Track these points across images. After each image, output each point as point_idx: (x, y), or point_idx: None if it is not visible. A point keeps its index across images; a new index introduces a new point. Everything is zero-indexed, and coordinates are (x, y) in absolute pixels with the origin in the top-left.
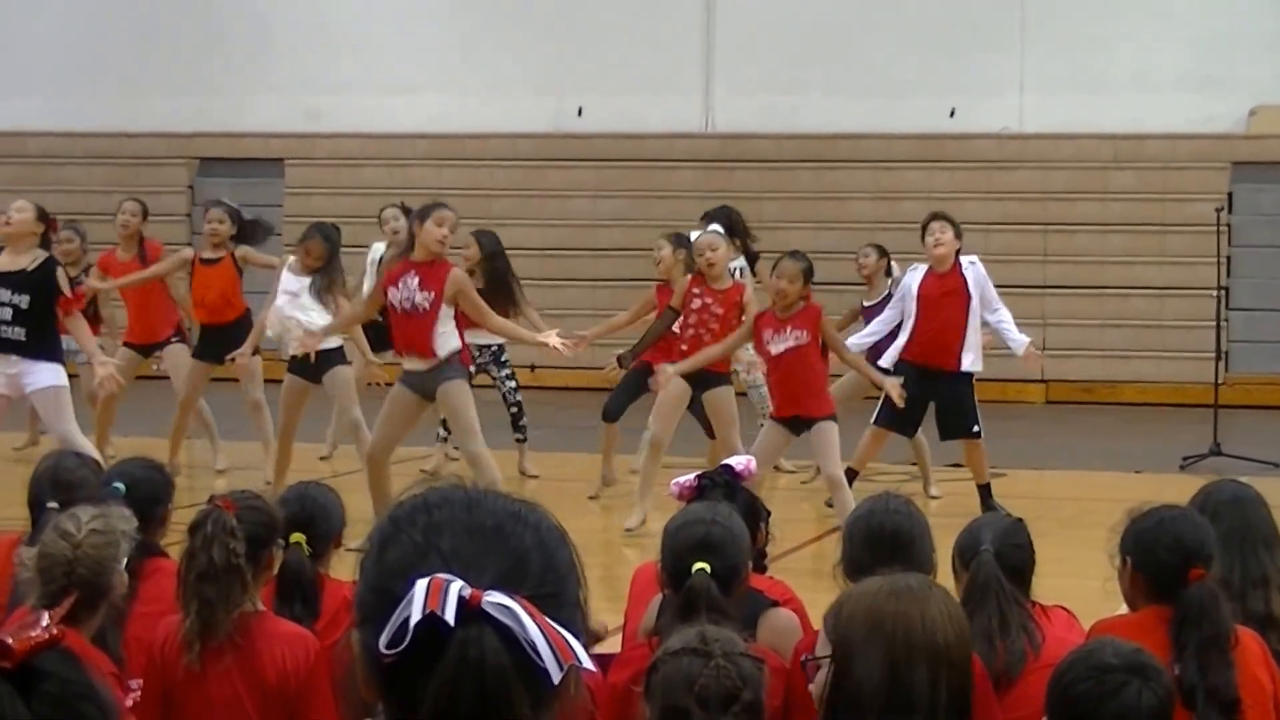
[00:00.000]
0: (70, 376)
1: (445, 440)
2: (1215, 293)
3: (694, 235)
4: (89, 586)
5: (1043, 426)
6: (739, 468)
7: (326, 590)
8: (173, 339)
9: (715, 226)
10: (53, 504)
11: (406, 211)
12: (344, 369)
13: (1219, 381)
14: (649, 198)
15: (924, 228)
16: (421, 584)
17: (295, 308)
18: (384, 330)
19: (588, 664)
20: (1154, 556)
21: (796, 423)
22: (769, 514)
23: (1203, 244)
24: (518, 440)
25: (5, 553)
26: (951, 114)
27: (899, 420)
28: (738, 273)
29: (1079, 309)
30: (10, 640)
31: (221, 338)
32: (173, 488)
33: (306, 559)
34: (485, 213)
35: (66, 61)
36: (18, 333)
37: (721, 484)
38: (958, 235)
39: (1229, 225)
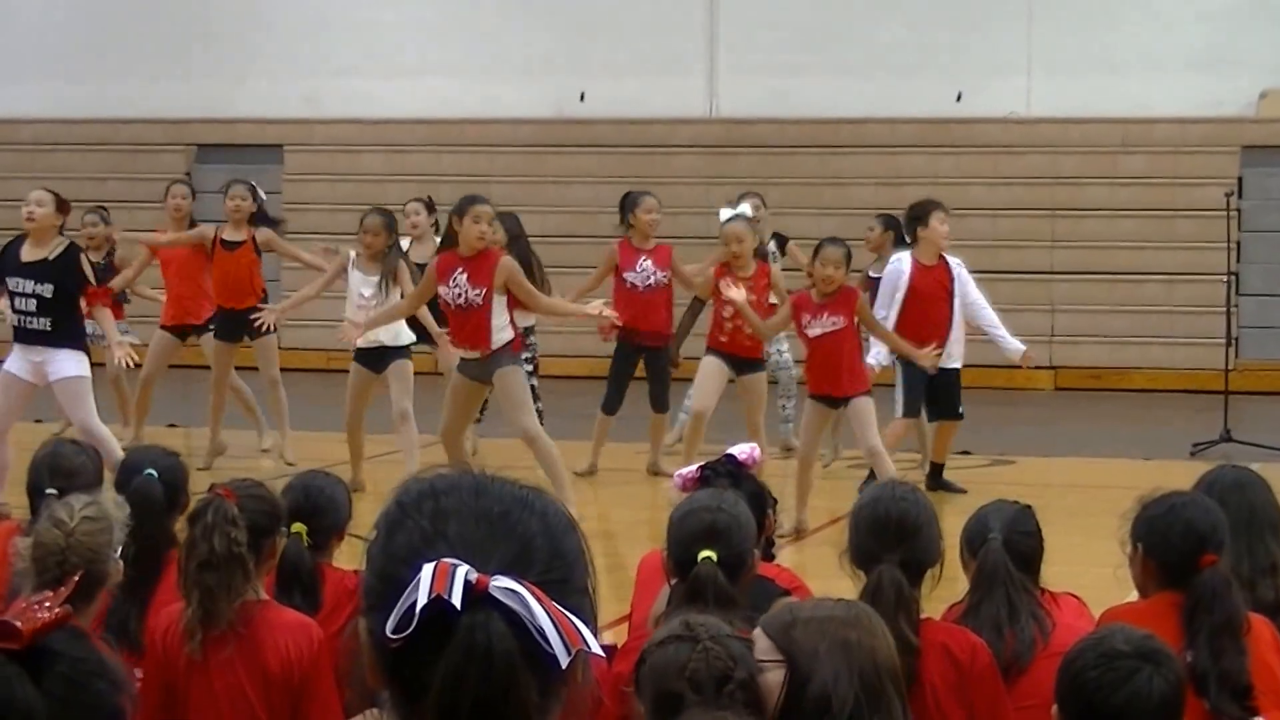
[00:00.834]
0: (95, 365)
1: (479, 420)
2: (1225, 278)
3: (724, 214)
4: (84, 574)
5: (1051, 413)
6: (743, 456)
7: (328, 580)
8: (210, 324)
9: (744, 209)
10: (51, 490)
11: (429, 205)
12: (406, 363)
13: (1229, 367)
14: (651, 183)
15: (929, 213)
16: (428, 568)
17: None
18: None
19: (596, 650)
20: (1166, 543)
21: (832, 400)
22: (776, 501)
23: (1212, 229)
24: None
25: (2, 541)
26: (958, 98)
27: (916, 407)
28: (770, 256)
29: (1088, 294)
30: (17, 621)
31: (239, 321)
32: (189, 476)
33: (305, 549)
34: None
35: (61, 47)
36: (43, 323)
37: (725, 473)
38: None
39: (1239, 210)
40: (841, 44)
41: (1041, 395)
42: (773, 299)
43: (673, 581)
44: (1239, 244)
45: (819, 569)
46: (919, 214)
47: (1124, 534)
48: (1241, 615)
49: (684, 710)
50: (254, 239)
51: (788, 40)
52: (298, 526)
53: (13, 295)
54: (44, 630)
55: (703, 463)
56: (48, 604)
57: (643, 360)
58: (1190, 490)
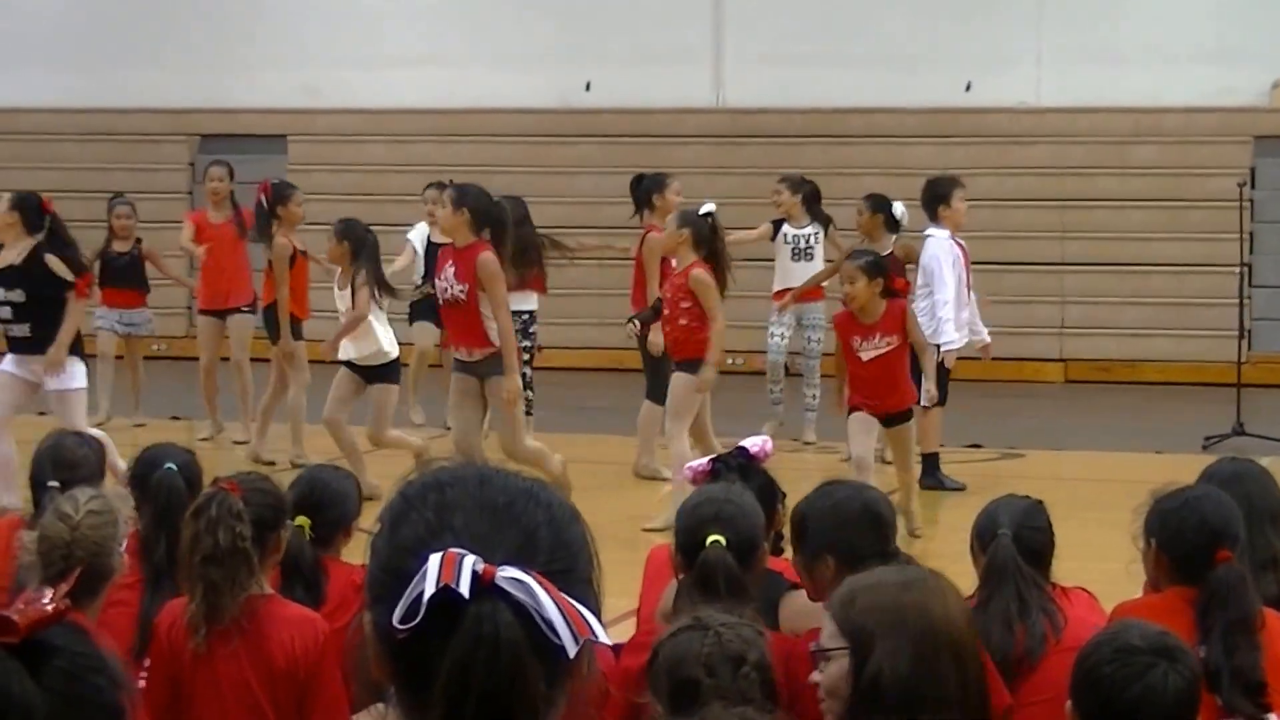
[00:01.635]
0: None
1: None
2: (1237, 269)
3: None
4: (89, 568)
5: (1061, 406)
6: (754, 449)
7: (334, 574)
8: (243, 309)
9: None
10: (53, 483)
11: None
12: (389, 389)
13: (1241, 360)
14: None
15: (951, 192)
16: (435, 558)
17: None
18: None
19: (604, 639)
20: (1179, 538)
21: (876, 416)
22: (785, 495)
23: (1224, 219)
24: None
25: (7, 535)
26: (967, 88)
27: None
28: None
29: (1097, 286)
30: (15, 615)
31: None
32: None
33: (307, 543)
34: (490, 189)
35: (62, 36)
36: (23, 329)
37: (735, 466)
38: None
39: (1251, 200)
40: (849, 34)
41: (1051, 388)
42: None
43: (681, 575)
44: (1252, 235)
45: None
46: (942, 192)
47: (1137, 528)
48: (1256, 611)
49: (701, 697)
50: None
51: (794, 30)
52: (301, 520)
53: None
54: (41, 624)
55: (714, 455)
56: (47, 599)
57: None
58: (1204, 484)
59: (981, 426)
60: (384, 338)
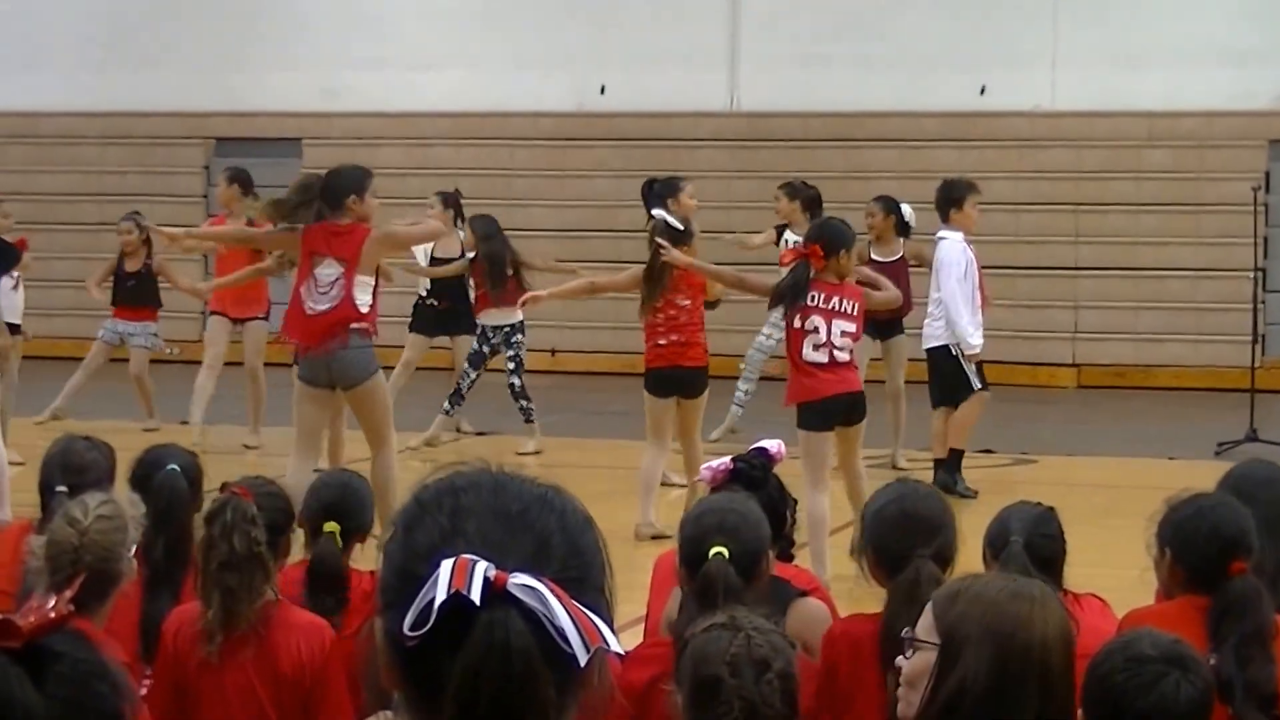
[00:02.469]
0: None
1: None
2: (1252, 274)
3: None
4: (97, 574)
5: (1074, 411)
6: (773, 450)
7: (355, 582)
8: (259, 317)
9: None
10: (62, 488)
11: (446, 199)
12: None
13: (1255, 365)
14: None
15: (965, 196)
16: (446, 564)
17: None
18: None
19: (616, 647)
20: (1193, 547)
21: None
22: (795, 502)
23: (1239, 224)
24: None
25: (16, 539)
26: (982, 91)
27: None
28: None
29: (1112, 291)
30: (17, 620)
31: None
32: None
33: (338, 550)
34: (506, 192)
35: (81, 41)
36: None
37: (756, 465)
38: None
39: (1266, 205)
40: (864, 37)
41: (1064, 393)
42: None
43: (684, 585)
44: (1266, 239)
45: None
46: (956, 196)
47: (1151, 537)
48: (1271, 623)
49: (721, 695)
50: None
51: (810, 33)
52: (331, 526)
53: None
54: (43, 629)
55: (732, 456)
56: (51, 605)
57: None
58: (1218, 492)
59: (994, 431)
60: None
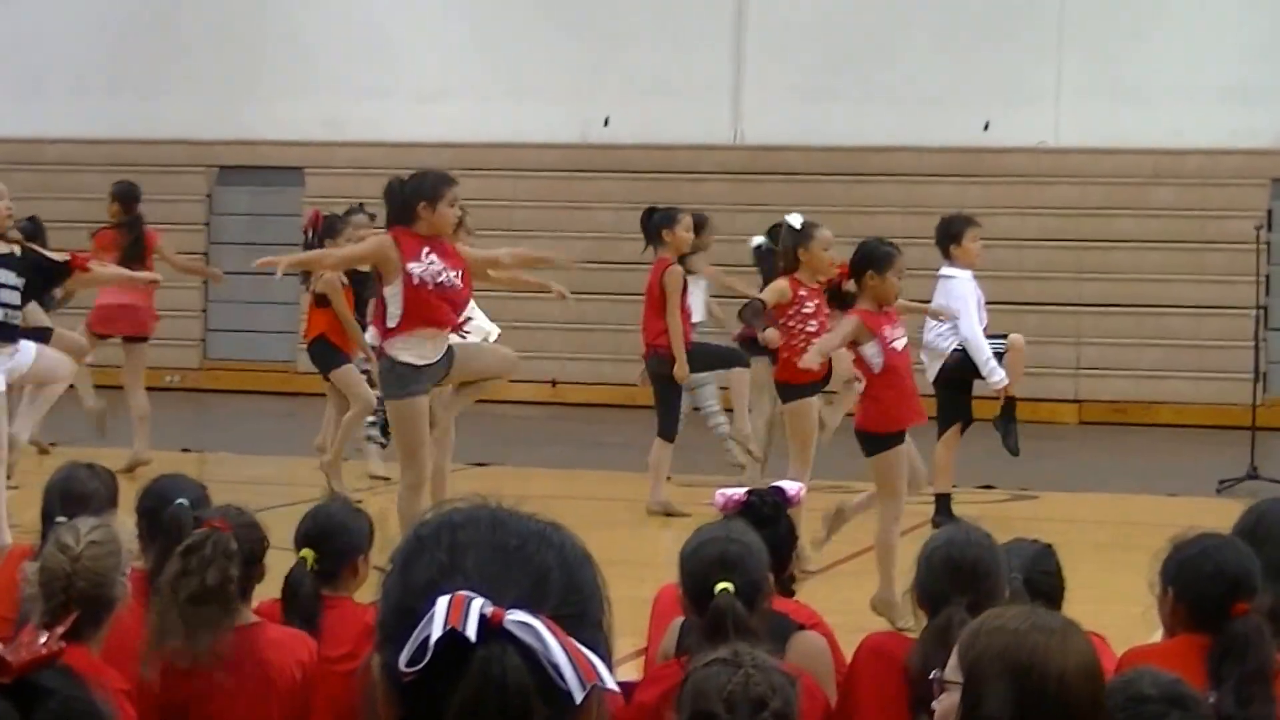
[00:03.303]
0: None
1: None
2: (1254, 312)
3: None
4: (90, 600)
5: (1075, 447)
6: (791, 492)
7: (350, 615)
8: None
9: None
10: (61, 518)
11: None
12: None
13: (1257, 403)
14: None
15: (964, 231)
16: (443, 601)
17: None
18: None
19: (611, 685)
20: (1197, 586)
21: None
22: (797, 539)
23: (1242, 262)
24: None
25: (14, 565)
26: (986, 127)
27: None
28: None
29: (1115, 327)
30: (7, 655)
31: None
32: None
33: (308, 574)
34: (508, 223)
35: (85, 67)
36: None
37: (769, 505)
38: None
39: (1269, 243)
40: (869, 72)
41: (1066, 429)
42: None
43: (690, 616)
44: (1268, 277)
45: (835, 604)
46: (955, 231)
47: (1154, 574)
48: (1272, 663)
49: None
50: None
51: (814, 67)
52: (305, 552)
53: None
54: (34, 666)
55: (750, 489)
56: (43, 641)
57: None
58: (1233, 533)
59: (994, 467)
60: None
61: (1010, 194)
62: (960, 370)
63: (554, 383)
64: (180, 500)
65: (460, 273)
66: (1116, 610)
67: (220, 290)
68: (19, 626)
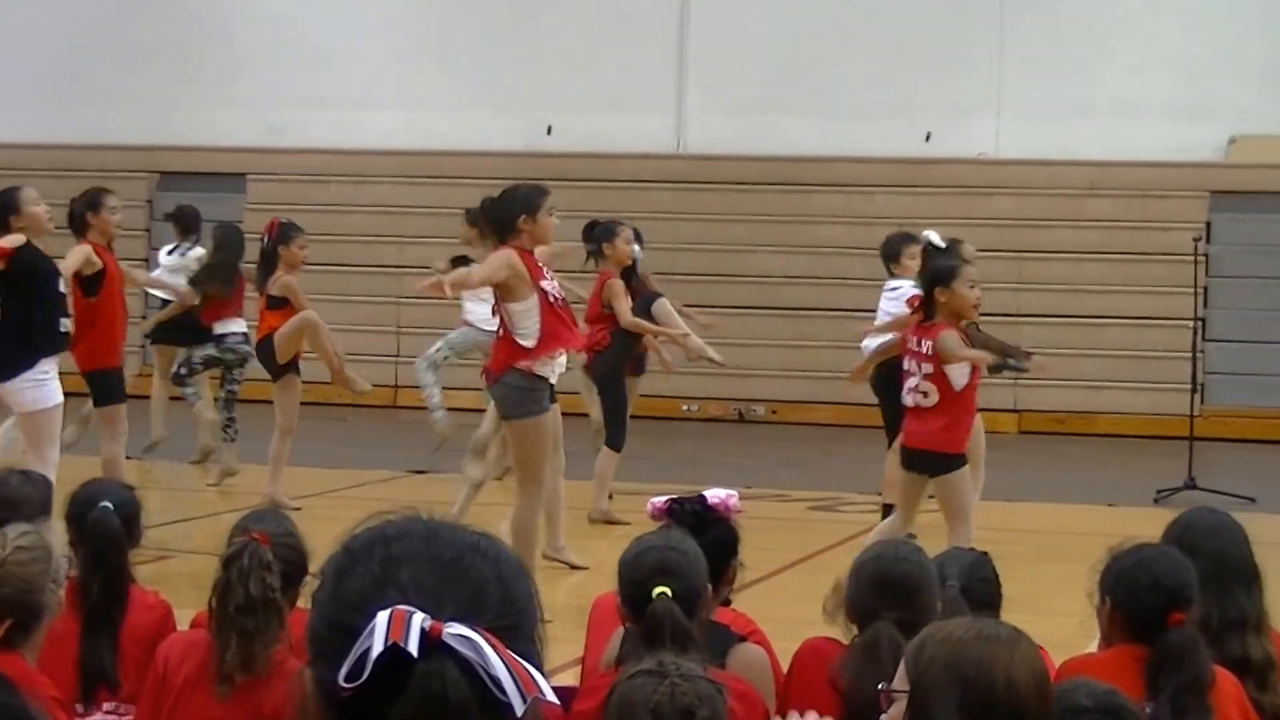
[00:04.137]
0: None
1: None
2: (1192, 323)
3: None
4: (18, 606)
5: (1015, 457)
6: (714, 500)
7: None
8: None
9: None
10: None
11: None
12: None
13: (1195, 413)
14: (620, 218)
15: (900, 251)
16: (383, 615)
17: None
18: None
19: (550, 696)
20: (1134, 597)
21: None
22: (738, 555)
23: (1180, 274)
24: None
25: None
26: (927, 138)
27: None
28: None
29: (1054, 338)
30: None
31: None
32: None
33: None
34: (450, 231)
35: (28, 73)
36: None
37: (691, 512)
38: None
39: (1207, 255)
40: (811, 83)
41: (1005, 439)
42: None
43: (627, 624)
44: (1206, 289)
45: (776, 612)
46: (891, 252)
47: (1092, 584)
48: (1208, 674)
49: None
50: None
51: (757, 78)
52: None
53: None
54: None
55: (672, 497)
56: None
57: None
58: (1162, 543)
59: None
60: None
61: (950, 205)
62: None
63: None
64: (104, 504)
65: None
66: (1054, 620)
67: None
68: None
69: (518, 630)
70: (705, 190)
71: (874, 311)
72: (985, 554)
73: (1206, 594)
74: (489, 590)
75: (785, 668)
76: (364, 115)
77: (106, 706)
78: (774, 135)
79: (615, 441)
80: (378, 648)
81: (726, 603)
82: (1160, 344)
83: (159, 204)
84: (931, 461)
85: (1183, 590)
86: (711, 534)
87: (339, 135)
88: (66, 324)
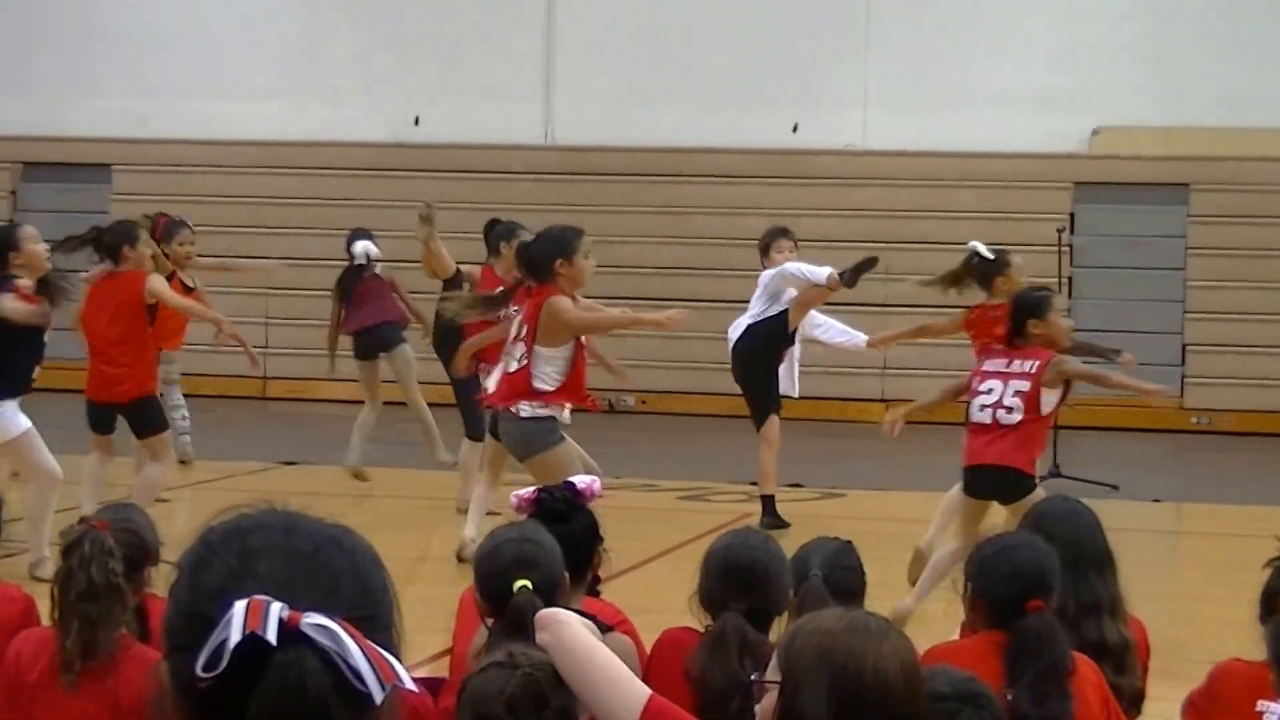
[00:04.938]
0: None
1: None
2: None
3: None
4: None
5: (884, 446)
6: (581, 486)
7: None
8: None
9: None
10: None
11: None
12: None
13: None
14: (487, 210)
15: (770, 245)
16: (240, 605)
17: None
18: None
19: (409, 684)
20: (995, 585)
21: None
22: (602, 540)
23: (1044, 264)
24: None
25: None
26: (794, 129)
27: None
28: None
29: None
30: None
31: None
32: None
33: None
34: (320, 221)
35: None
36: None
37: (560, 500)
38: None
39: (1070, 245)
40: (679, 73)
41: (874, 428)
42: None
43: (488, 621)
44: (1070, 279)
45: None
46: (763, 245)
47: (957, 573)
48: (1066, 659)
49: None
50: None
51: (625, 68)
52: None
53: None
54: None
55: (540, 486)
56: None
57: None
58: (1023, 531)
59: (803, 466)
60: None
61: (819, 196)
62: (763, 344)
63: None
64: None
65: None
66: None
67: None
68: None
69: (374, 620)
70: (574, 181)
71: (746, 303)
72: (849, 542)
73: (1062, 580)
74: (344, 583)
75: None
76: (231, 105)
77: None
78: (642, 126)
79: (474, 431)
80: (235, 637)
81: (595, 593)
82: None
83: (23, 195)
84: (1003, 479)
85: (1043, 578)
86: (578, 520)
87: (207, 126)
88: (37, 371)
